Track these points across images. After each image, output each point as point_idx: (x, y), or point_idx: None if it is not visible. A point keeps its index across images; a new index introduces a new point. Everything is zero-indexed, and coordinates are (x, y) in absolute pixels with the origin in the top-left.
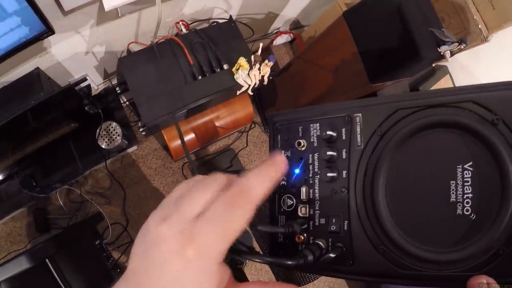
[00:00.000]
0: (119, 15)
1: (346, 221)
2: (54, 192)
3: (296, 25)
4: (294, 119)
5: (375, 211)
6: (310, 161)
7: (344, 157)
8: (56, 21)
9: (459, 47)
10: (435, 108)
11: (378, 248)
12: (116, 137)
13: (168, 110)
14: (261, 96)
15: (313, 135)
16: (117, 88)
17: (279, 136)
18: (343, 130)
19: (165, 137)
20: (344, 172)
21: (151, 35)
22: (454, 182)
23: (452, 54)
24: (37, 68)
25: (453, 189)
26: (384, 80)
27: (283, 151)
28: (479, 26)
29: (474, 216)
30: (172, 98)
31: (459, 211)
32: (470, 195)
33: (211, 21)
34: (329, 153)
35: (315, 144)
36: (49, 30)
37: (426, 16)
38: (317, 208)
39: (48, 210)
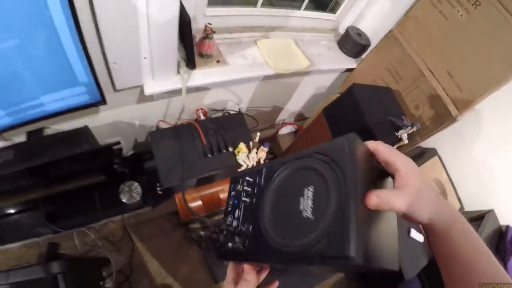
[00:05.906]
0: (154, 98)
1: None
2: (71, 232)
3: (300, 117)
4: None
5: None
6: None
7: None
8: (109, 95)
9: (412, 129)
10: (299, 160)
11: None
12: (135, 195)
13: (182, 177)
14: None
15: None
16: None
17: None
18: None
19: (176, 199)
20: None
21: (176, 117)
22: (302, 197)
23: (408, 136)
24: (86, 126)
25: (301, 202)
26: None
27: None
28: (448, 108)
29: (313, 218)
30: (186, 168)
31: (304, 215)
32: (311, 205)
33: (224, 111)
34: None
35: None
36: (103, 101)
37: (387, 108)
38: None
39: (61, 246)
